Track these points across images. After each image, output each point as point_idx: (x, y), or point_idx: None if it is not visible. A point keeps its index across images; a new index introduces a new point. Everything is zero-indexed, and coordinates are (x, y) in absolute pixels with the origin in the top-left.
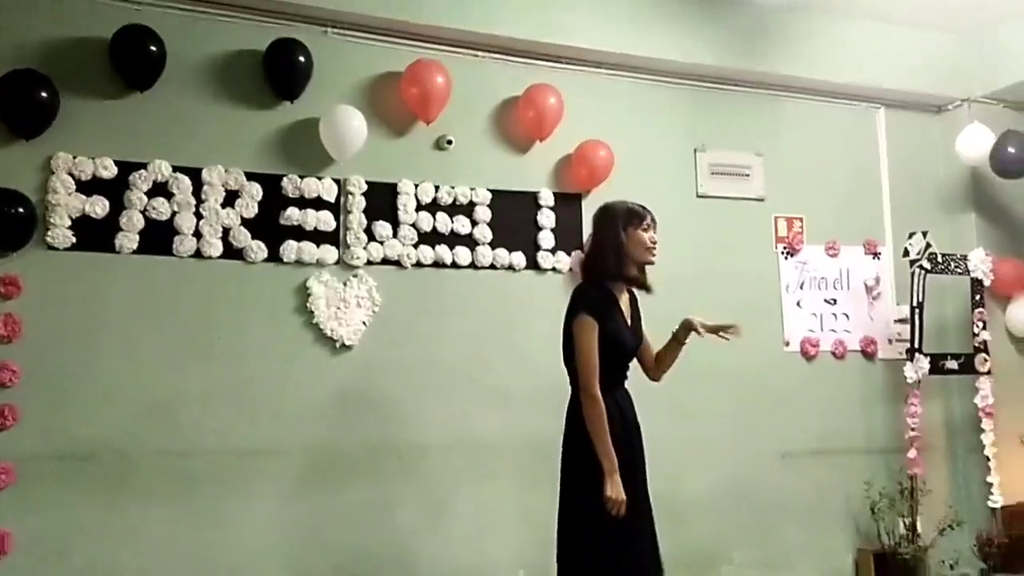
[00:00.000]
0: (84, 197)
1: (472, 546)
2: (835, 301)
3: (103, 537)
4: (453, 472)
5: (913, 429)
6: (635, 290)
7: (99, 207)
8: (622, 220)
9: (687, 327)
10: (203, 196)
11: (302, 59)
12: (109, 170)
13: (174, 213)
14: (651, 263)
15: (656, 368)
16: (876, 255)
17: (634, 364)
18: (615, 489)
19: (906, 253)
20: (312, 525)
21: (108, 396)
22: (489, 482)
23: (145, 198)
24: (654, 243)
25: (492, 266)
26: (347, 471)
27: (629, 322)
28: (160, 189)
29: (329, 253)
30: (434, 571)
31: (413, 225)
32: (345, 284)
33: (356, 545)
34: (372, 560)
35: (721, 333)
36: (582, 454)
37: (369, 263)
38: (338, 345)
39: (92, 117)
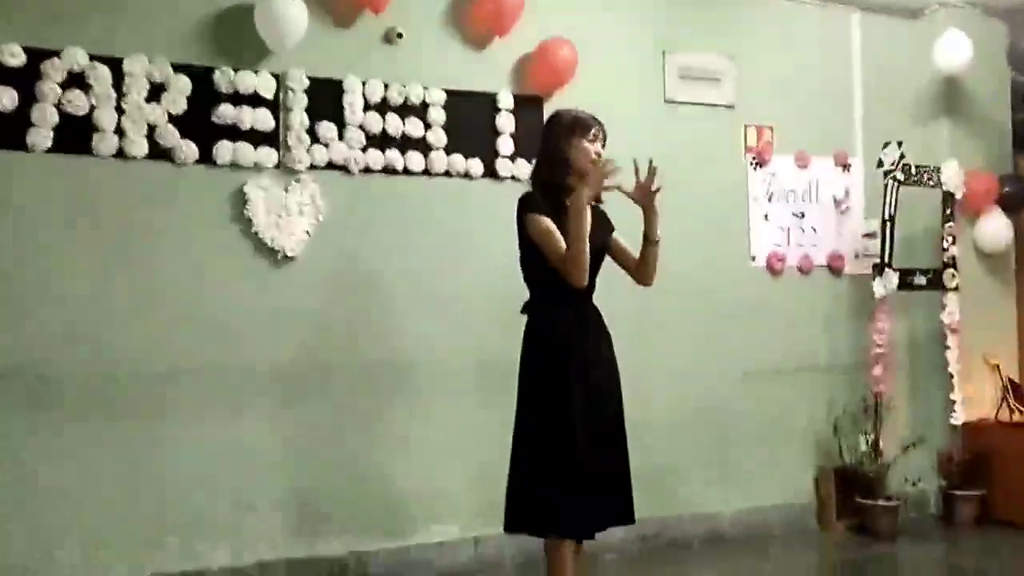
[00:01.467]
0: None
1: (428, 466)
2: (803, 215)
3: (24, 459)
4: (405, 390)
5: (879, 346)
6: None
7: (7, 99)
8: (567, 129)
9: (648, 225)
10: (124, 89)
11: None
12: (17, 58)
13: (92, 108)
14: None
15: (639, 271)
16: (846, 167)
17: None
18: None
19: (880, 164)
20: (253, 449)
21: (25, 311)
22: (444, 399)
23: (59, 90)
24: (599, 155)
25: (447, 173)
26: (291, 390)
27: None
28: (76, 80)
29: (268, 156)
30: (388, 494)
31: (360, 127)
32: (286, 190)
33: (301, 469)
34: (319, 485)
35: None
36: (536, 369)
37: (312, 167)
38: (279, 256)
39: None
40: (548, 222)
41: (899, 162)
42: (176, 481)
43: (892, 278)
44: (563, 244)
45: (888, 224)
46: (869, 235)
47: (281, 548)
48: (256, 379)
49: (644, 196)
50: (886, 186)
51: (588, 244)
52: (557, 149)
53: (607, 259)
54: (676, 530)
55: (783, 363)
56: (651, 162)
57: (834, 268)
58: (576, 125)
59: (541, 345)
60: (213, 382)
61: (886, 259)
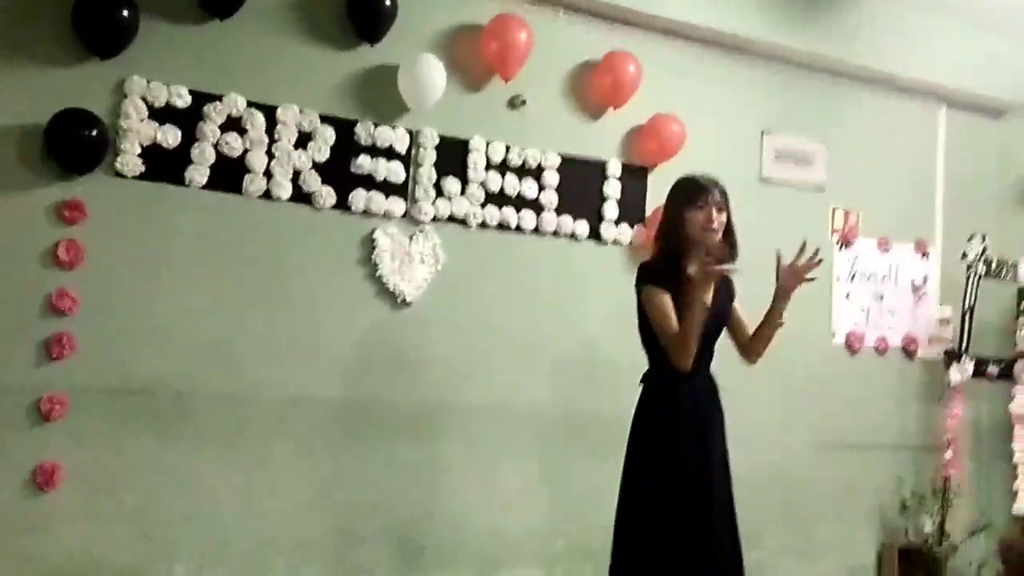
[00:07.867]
0: (156, 125)
1: (514, 513)
2: (882, 297)
3: (152, 475)
4: (501, 437)
5: (951, 431)
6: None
7: (171, 136)
8: (682, 199)
9: (777, 305)
10: (276, 135)
11: (387, 1)
12: (183, 99)
13: (246, 150)
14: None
15: (750, 347)
16: (925, 254)
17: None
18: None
19: (964, 256)
20: (360, 480)
21: (166, 333)
22: (536, 450)
23: (218, 132)
24: (711, 222)
25: (555, 233)
26: (398, 429)
27: (708, 299)
28: (234, 124)
29: (397, 205)
30: (476, 535)
31: (482, 184)
32: (411, 239)
33: (402, 503)
34: (416, 517)
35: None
36: (645, 439)
37: (435, 219)
38: (399, 300)
39: (170, 41)
40: (664, 297)
41: (981, 255)
42: (287, 504)
43: (968, 366)
44: (675, 323)
45: (968, 314)
46: (944, 321)
47: None
48: (368, 413)
49: (794, 280)
50: (968, 278)
51: (701, 328)
52: (673, 219)
53: None
54: None
55: (855, 439)
56: (817, 252)
57: (908, 351)
58: (688, 194)
59: (655, 430)
60: (329, 412)
61: (963, 348)
